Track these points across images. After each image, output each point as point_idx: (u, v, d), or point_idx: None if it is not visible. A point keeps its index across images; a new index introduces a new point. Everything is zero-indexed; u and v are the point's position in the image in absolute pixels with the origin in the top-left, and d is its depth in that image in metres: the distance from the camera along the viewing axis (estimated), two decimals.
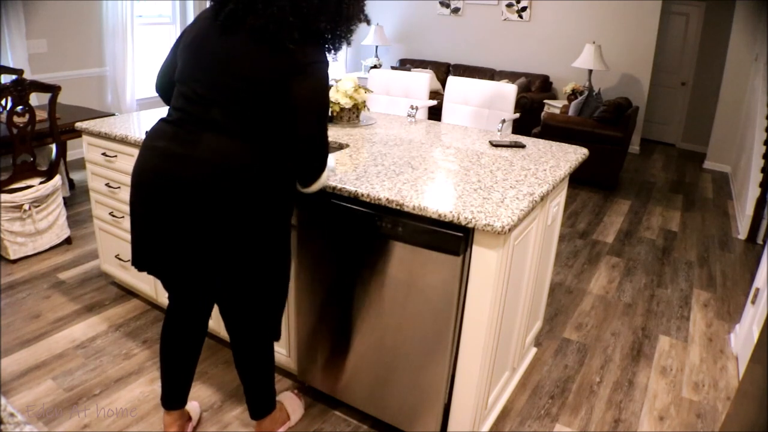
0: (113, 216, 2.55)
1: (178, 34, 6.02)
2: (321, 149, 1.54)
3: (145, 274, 2.50)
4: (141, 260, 1.61)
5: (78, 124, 2.52)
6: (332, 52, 1.50)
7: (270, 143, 1.47)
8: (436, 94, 5.20)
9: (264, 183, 1.47)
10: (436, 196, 1.65)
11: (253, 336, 1.72)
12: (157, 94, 1.71)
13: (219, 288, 1.62)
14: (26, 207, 3.01)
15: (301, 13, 1.37)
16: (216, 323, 2.32)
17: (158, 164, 1.47)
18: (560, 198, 2.19)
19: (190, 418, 1.93)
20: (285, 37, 1.37)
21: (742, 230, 4.12)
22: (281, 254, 1.63)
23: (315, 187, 1.63)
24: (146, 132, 1.57)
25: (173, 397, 1.81)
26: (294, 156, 1.53)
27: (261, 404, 1.82)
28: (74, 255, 3.20)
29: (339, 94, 2.51)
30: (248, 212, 1.47)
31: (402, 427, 1.89)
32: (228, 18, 1.40)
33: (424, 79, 3.64)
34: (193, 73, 1.47)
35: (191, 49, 1.49)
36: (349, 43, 1.52)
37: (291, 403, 2.01)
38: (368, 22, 1.55)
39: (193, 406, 1.99)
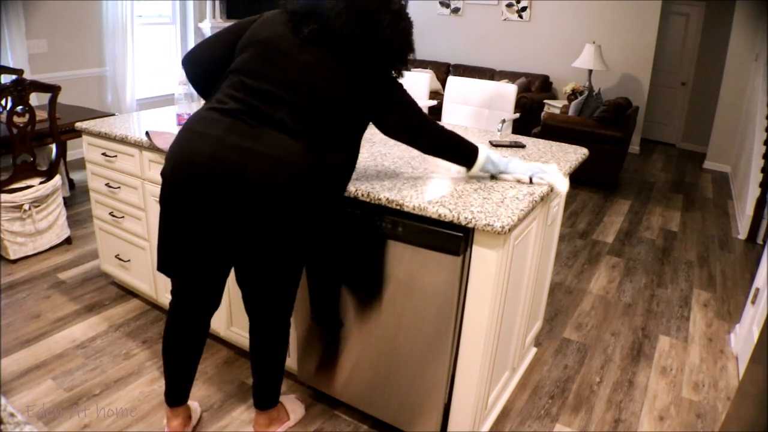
0: (113, 216, 2.55)
1: (179, 33, 5.96)
2: (439, 133, 1.69)
3: (145, 273, 2.52)
4: (169, 257, 1.62)
5: (78, 124, 2.52)
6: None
7: (329, 150, 1.52)
8: (436, 94, 5.20)
9: (317, 185, 1.51)
10: (436, 196, 1.65)
11: (275, 323, 1.74)
12: (185, 73, 1.67)
13: (251, 280, 1.64)
14: (26, 207, 3.01)
15: (391, 58, 1.53)
16: (217, 323, 2.32)
17: (214, 152, 1.44)
18: (560, 198, 2.19)
19: (190, 417, 1.94)
20: (373, 74, 1.52)
21: (742, 230, 4.12)
22: (307, 249, 1.66)
23: (475, 168, 1.76)
24: (190, 118, 1.55)
25: (177, 393, 1.84)
26: (435, 154, 1.74)
27: (267, 395, 1.85)
28: (74, 255, 3.20)
29: None
30: (294, 208, 1.49)
31: (402, 427, 1.89)
32: (312, 35, 1.46)
33: (424, 79, 3.64)
34: (266, 70, 1.48)
35: (266, 46, 1.50)
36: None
37: (291, 404, 2.02)
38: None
39: (193, 406, 2.00)
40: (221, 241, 1.55)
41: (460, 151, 1.74)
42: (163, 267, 1.66)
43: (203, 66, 1.63)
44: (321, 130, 1.50)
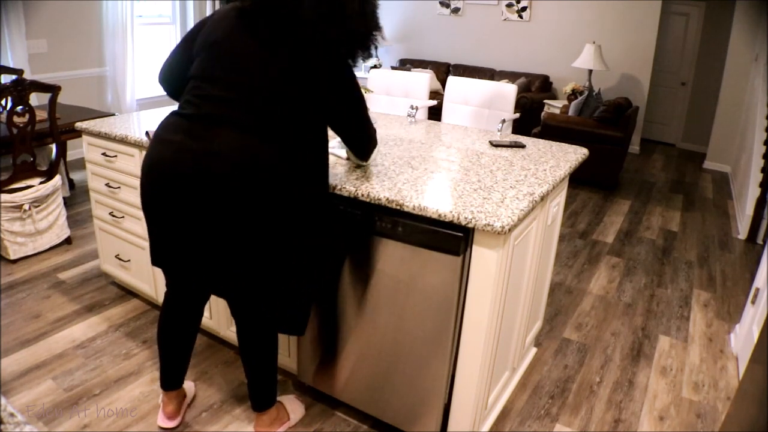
0: (113, 216, 2.55)
1: (179, 33, 5.99)
2: (371, 138, 1.77)
3: (145, 273, 2.52)
4: (158, 256, 1.66)
5: (78, 124, 2.52)
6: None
7: (292, 143, 1.50)
8: (436, 94, 5.20)
9: (282, 181, 1.48)
10: (436, 196, 1.65)
11: (259, 325, 1.74)
12: (162, 89, 1.73)
13: (229, 279, 1.63)
14: (26, 207, 3.01)
15: (353, 41, 1.52)
16: (216, 323, 2.32)
17: (176, 157, 1.47)
18: (560, 198, 2.19)
19: (185, 396, 2.01)
20: (334, 62, 1.51)
21: (742, 230, 4.12)
22: (306, 248, 1.62)
23: (368, 161, 1.90)
24: (159, 125, 1.57)
25: (171, 378, 1.90)
26: (350, 146, 1.76)
27: (263, 396, 1.86)
28: (74, 255, 3.19)
29: None
30: (262, 208, 1.48)
31: (402, 427, 1.89)
32: (271, 33, 1.46)
33: (424, 79, 3.64)
34: (219, 73, 1.49)
35: (219, 48, 1.51)
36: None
37: (291, 404, 2.02)
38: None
39: (188, 386, 2.07)
40: (199, 240, 1.55)
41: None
42: (156, 262, 1.69)
43: (177, 81, 1.64)
44: (283, 126, 1.49)
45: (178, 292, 1.80)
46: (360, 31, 1.51)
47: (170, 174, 1.48)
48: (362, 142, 1.75)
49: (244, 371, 1.85)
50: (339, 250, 1.77)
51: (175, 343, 1.85)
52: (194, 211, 1.48)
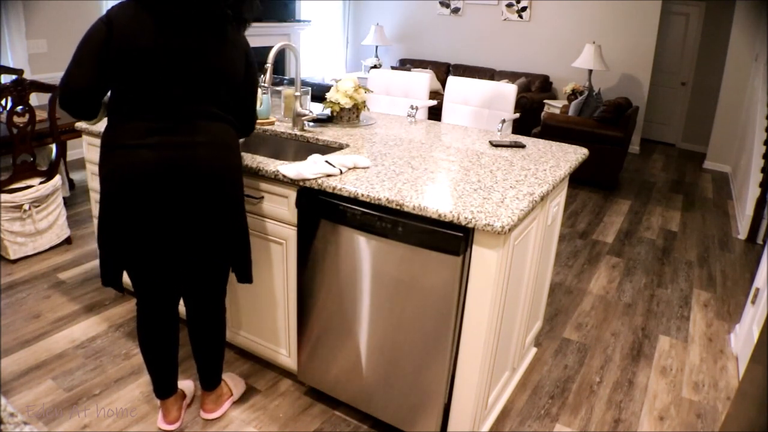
0: None
1: None
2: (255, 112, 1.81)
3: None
4: (120, 268, 1.71)
5: (78, 124, 2.52)
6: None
7: (233, 120, 1.69)
8: (436, 94, 5.20)
9: (238, 156, 1.72)
10: (436, 196, 1.65)
11: (217, 305, 1.88)
12: (71, 111, 1.60)
13: (201, 266, 1.74)
14: (26, 207, 3.01)
15: (237, 9, 1.61)
16: None
17: (159, 155, 1.53)
18: (560, 198, 2.19)
19: (184, 396, 2.02)
20: (228, 30, 1.60)
21: (742, 230, 4.12)
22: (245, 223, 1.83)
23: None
24: (116, 134, 1.56)
25: (165, 386, 1.90)
26: (242, 120, 1.75)
27: (215, 374, 1.95)
28: (74, 255, 3.19)
29: (339, 94, 2.51)
30: (236, 182, 1.69)
31: (402, 427, 1.89)
32: (180, 21, 1.52)
33: (424, 79, 3.64)
34: (161, 76, 1.52)
35: (151, 51, 1.51)
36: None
37: (232, 379, 2.12)
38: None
39: (186, 385, 2.08)
40: (178, 234, 1.62)
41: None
42: (110, 281, 1.72)
43: (91, 102, 1.59)
44: (228, 107, 1.65)
45: (154, 296, 1.80)
46: None
47: (154, 173, 1.53)
48: (254, 118, 1.81)
49: (196, 355, 1.92)
50: None
51: (161, 348, 1.84)
52: (178, 201, 1.57)
